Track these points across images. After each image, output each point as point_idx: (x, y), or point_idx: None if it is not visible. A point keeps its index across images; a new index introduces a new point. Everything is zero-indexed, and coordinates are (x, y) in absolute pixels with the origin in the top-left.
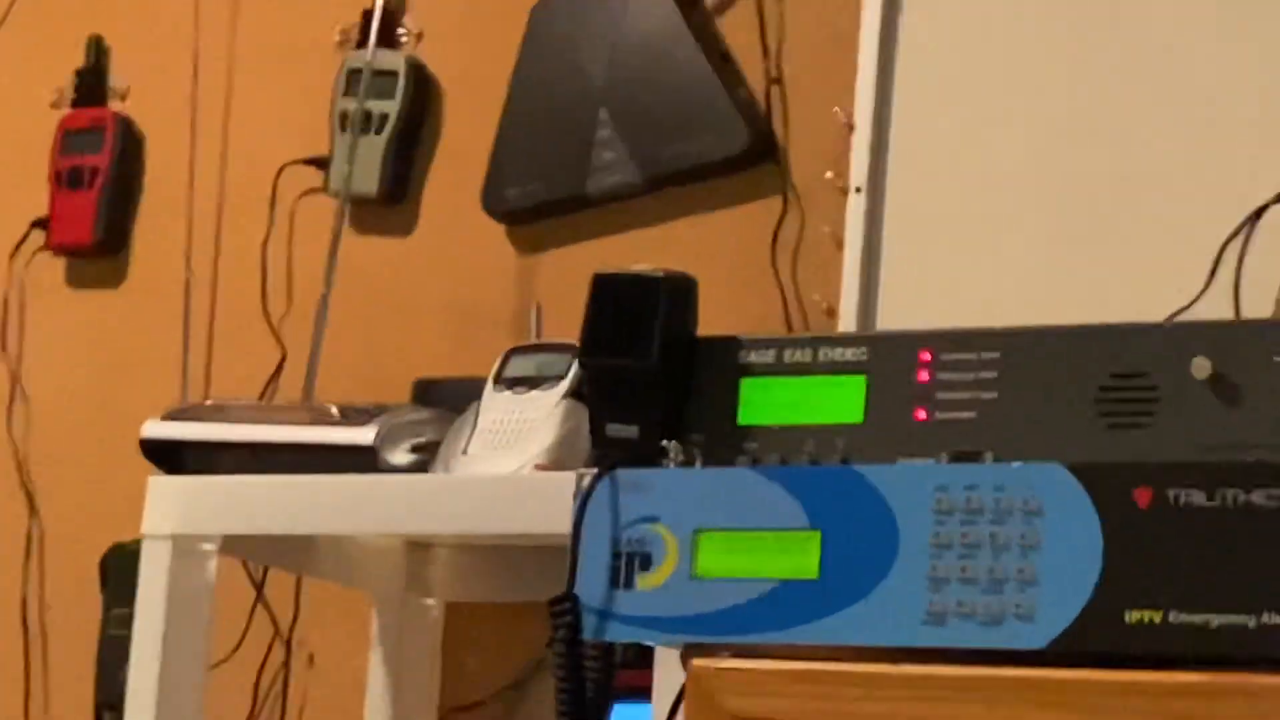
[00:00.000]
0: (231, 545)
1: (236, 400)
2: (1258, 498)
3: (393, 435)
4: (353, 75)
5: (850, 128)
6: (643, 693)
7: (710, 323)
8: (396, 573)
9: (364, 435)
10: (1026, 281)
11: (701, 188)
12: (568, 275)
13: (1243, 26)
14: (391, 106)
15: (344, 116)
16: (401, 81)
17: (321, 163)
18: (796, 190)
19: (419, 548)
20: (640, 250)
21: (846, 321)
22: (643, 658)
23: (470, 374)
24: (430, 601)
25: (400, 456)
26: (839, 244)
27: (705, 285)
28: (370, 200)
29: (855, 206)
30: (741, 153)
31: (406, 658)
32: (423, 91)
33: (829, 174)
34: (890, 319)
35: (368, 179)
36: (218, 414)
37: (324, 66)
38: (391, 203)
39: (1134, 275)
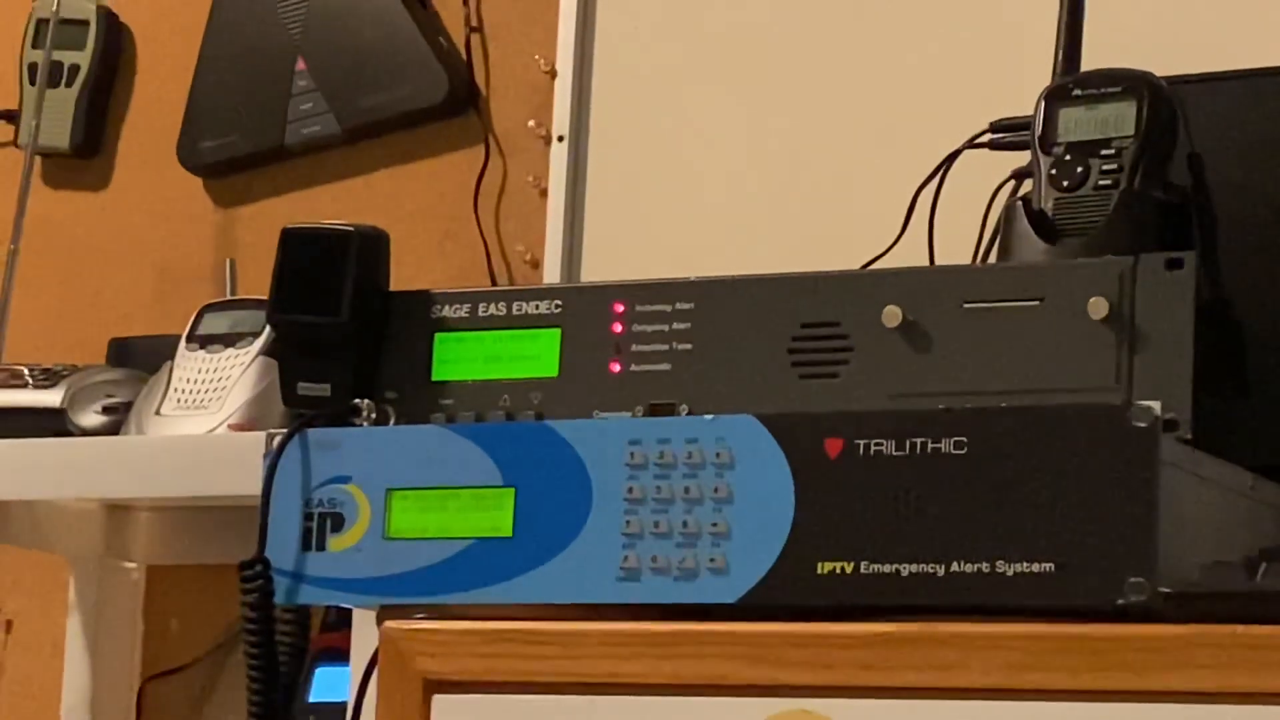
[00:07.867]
0: None
1: None
2: (946, 446)
3: (82, 396)
4: (41, 25)
5: (552, 75)
6: (346, 655)
7: (413, 276)
8: (94, 536)
9: (52, 397)
10: (731, 231)
11: (402, 138)
12: (268, 229)
13: None
14: (82, 57)
15: (33, 68)
16: (92, 31)
17: (10, 116)
18: (499, 139)
19: (118, 510)
20: (342, 202)
21: (551, 273)
22: (345, 620)
23: (171, 332)
24: (130, 565)
25: (89, 418)
26: (543, 194)
27: (408, 237)
28: (63, 154)
29: (558, 155)
30: (442, 102)
31: (106, 623)
32: (115, 41)
33: (531, 122)
34: (595, 270)
35: (59, 132)
36: None
37: (11, 16)
38: (85, 156)
39: (834, 224)
